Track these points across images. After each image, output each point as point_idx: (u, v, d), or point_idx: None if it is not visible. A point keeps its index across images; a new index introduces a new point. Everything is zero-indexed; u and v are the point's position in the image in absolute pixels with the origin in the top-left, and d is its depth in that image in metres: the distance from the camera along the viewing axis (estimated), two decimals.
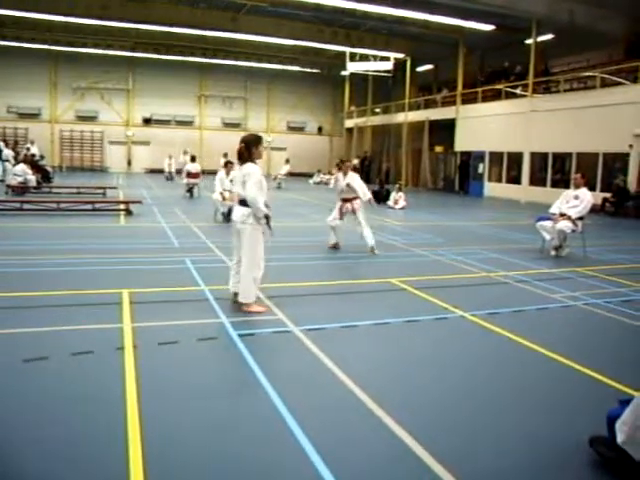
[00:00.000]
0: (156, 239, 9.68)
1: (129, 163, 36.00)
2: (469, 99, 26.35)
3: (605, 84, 19.22)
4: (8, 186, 16.86)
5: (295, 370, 4.06)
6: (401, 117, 31.33)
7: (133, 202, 13.62)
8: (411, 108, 30.83)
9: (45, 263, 7.33)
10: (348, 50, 28.56)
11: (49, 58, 32.85)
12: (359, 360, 4.28)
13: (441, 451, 2.93)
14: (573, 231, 9.12)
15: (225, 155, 24.34)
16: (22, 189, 16.73)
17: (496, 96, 24.59)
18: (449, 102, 28.01)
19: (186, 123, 36.83)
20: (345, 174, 9.15)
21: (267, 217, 5.40)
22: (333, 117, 39.89)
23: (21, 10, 23.80)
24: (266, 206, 5.41)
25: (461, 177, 27.36)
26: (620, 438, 2.79)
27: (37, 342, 4.39)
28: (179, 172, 23.04)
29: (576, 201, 9.19)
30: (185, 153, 17.88)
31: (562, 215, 9.14)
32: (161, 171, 29.83)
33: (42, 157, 23.89)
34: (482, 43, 25.90)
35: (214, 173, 15.78)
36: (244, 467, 2.78)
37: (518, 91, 23.20)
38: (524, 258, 8.93)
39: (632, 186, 17.69)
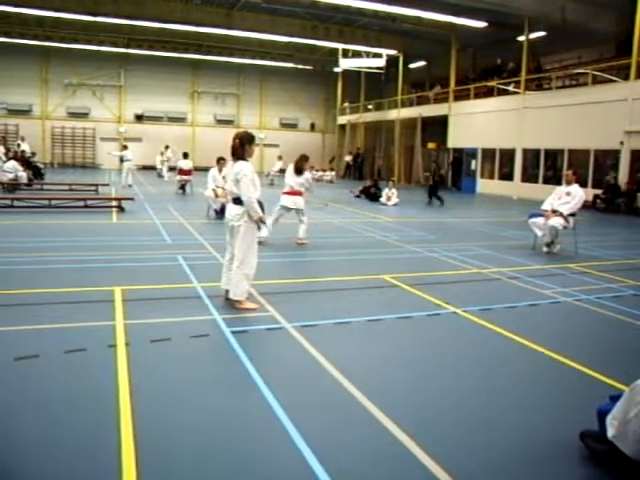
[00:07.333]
0: (148, 236, 9.64)
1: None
2: (461, 96, 26.42)
3: (596, 81, 19.31)
4: None
5: (288, 367, 4.06)
6: (394, 114, 31.35)
7: (125, 199, 13.56)
8: (404, 105, 30.88)
9: (36, 260, 7.29)
10: (341, 47, 28.53)
11: (40, 54, 32.61)
12: (352, 357, 4.29)
13: (433, 447, 2.95)
14: (565, 227, 9.16)
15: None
16: (13, 186, 16.61)
17: (488, 93, 24.67)
18: (441, 99, 28.06)
19: (178, 119, 36.66)
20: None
21: (261, 219, 5.39)
22: (326, 114, 39.85)
23: (12, 5, 23.56)
24: (259, 204, 5.40)
25: (454, 174, 27.44)
26: (610, 432, 2.82)
27: (28, 340, 4.36)
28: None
29: (568, 197, 9.23)
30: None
31: (554, 211, 9.18)
32: (153, 168, 29.72)
33: (33, 154, 23.72)
34: (474, 40, 25.95)
35: (206, 170, 15.72)
36: (237, 464, 2.78)
37: (510, 88, 23.27)
38: (516, 254, 8.97)
39: (623, 183, 17.80)
